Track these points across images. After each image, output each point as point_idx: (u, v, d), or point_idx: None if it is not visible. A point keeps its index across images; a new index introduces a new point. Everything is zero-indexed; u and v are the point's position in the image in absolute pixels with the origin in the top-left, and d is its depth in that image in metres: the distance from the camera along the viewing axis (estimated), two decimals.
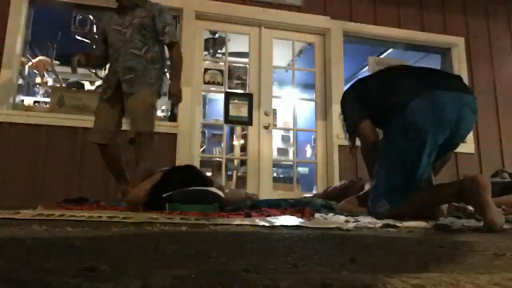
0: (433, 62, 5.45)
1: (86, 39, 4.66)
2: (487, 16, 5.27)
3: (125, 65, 3.02)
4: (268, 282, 0.40)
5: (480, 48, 5.16)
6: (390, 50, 5.52)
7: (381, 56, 5.53)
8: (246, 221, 1.74)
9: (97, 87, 4.66)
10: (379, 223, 1.82)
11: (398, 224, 1.80)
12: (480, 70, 5.08)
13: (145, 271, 0.44)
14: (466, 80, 4.98)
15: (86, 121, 3.84)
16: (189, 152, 4.12)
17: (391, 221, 1.87)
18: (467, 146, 4.83)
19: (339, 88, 4.58)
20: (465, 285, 0.40)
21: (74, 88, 4.45)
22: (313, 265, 0.50)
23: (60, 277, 0.37)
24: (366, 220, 1.96)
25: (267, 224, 1.67)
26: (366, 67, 5.25)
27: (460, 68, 5.01)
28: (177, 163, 3.87)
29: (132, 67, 3.01)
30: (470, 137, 4.86)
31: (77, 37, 4.60)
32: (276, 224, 1.69)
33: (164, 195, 2.26)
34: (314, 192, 4.34)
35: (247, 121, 4.47)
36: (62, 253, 0.58)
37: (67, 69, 5.97)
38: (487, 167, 4.71)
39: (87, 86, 4.86)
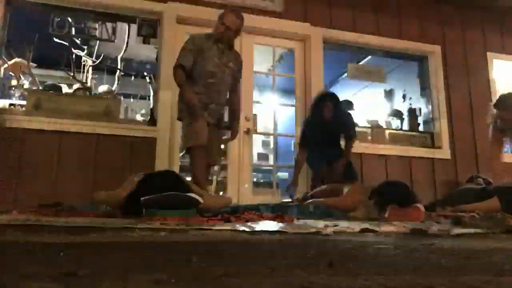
0: (411, 70, 5.56)
1: (64, 41, 4.59)
2: (463, 25, 5.41)
3: (222, 103, 3.42)
4: (247, 286, 0.40)
5: (456, 56, 5.28)
6: (369, 57, 5.61)
7: (360, 63, 5.61)
8: (226, 227, 1.74)
9: (75, 90, 4.59)
10: (358, 227, 1.84)
11: (376, 228, 1.83)
12: (456, 78, 5.20)
13: (124, 276, 0.44)
14: (442, 87, 5.10)
15: (63, 124, 3.78)
16: (169, 157, 4.09)
17: (369, 226, 1.89)
18: (443, 152, 4.94)
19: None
20: (438, 287, 0.42)
21: (51, 91, 4.37)
22: (292, 269, 0.51)
23: (39, 282, 0.37)
24: (344, 225, 1.98)
25: (247, 229, 1.67)
26: (345, 74, 5.31)
27: (436, 75, 5.12)
28: (156, 168, 3.84)
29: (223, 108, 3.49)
30: (446, 143, 4.97)
31: (55, 39, 4.52)
32: (256, 229, 1.70)
33: (142, 199, 2.24)
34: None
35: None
36: (40, 258, 0.57)
37: (44, 72, 5.88)
38: (463, 173, 4.81)
39: (65, 89, 4.78)
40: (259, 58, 4.91)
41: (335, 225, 1.95)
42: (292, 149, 6.18)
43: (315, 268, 0.53)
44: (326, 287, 0.40)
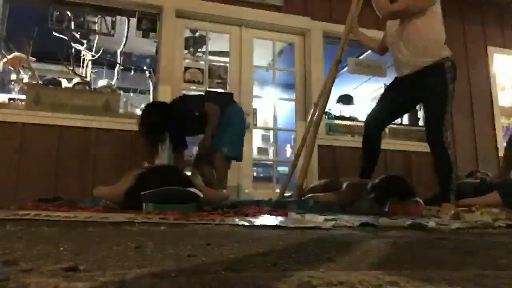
0: None
1: (64, 35, 4.58)
2: (463, 19, 5.39)
3: None
4: (246, 280, 0.40)
5: (456, 51, 5.26)
6: (369, 51, 5.58)
7: (360, 57, 5.59)
8: (226, 221, 1.74)
9: (75, 84, 4.58)
10: (357, 222, 1.85)
11: (375, 223, 1.83)
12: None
13: (123, 271, 0.44)
14: None
15: (63, 119, 3.78)
16: (168, 152, 4.09)
17: (369, 220, 1.90)
18: None
19: (318, 88, 4.61)
20: (437, 281, 0.42)
21: (50, 86, 4.36)
22: (291, 263, 0.51)
23: (38, 277, 0.37)
24: (344, 219, 1.98)
25: (246, 224, 1.67)
26: (346, 68, 5.30)
27: None
28: (156, 162, 3.83)
29: None
30: None
31: (54, 33, 4.51)
32: (255, 223, 1.70)
33: (141, 193, 2.24)
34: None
35: None
36: (39, 253, 0.57)
37: (43, 66, 5.87)
38: (462, 168, 4.82)
39: (64, 83, 4.77)
40: (259, 52, 4.90)
41: (335, 220, 1.96)
42: (292, 144, 6.19)
43: (314, 262, 0.53)
44: (325, 282, 0.40)
